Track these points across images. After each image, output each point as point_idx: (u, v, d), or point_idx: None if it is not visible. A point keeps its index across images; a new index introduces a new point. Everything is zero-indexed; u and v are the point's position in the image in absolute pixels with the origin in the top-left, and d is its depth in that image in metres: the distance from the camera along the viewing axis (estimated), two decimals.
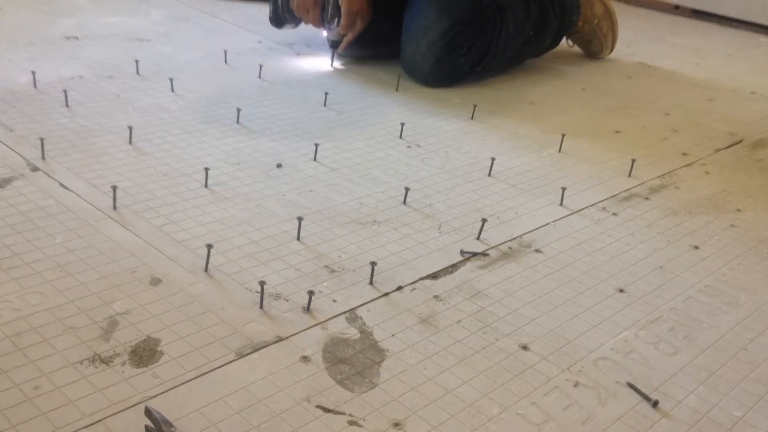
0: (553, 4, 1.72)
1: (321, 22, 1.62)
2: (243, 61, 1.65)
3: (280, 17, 1.68)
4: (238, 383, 0.73)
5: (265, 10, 2.08)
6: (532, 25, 1.70)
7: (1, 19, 1.75)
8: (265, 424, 0.68)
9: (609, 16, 1.92)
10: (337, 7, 1.58)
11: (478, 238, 1.03)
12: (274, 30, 1.91)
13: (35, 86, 1.37)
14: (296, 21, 1.67)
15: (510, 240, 1.04)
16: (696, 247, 1.08)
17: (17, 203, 0.98)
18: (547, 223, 1.10)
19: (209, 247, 0.89)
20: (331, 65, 1.62)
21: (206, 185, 1.09)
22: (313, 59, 1.72)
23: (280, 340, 0.79)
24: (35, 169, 1.08)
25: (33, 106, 1.29)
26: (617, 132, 1.50)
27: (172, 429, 0.64)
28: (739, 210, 1.21)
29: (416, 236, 1.03)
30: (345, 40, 1.64)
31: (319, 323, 0.83)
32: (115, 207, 1.00)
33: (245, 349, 0.77)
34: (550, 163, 1.31)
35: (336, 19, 1.59)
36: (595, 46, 1.95)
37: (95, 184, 1.06)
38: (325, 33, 1.66)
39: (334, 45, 1.67)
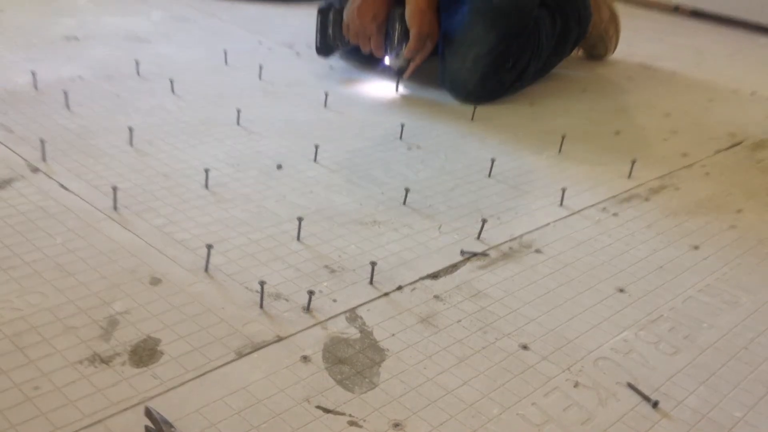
0: (573, 15, 1.69)
1: (384, 49, 1.53)
2: (243, 61, 1.65)
3: (330, 46, 1.60)
4: (238, 383, 0.73)
5: (265, 10, 2.09)
6: (557, 37, 1.67)
7: (1, 19, 1.75)
8: (265, 425, 0.68)
9: (614, 19, 1.92)
10: (405, 32, 1.49)
11: (478, 239, 1.04)
12: (274, 30, 1.92)
13: (35, 87, 1.37)
14: (346, 46, 1.60)
15: (510, 240, 1.04)
16: (696, 248, 1.08)
17: (17, 204, 0.98)
18: (548, 224, 1.10)
19: (209, 247, 0.89)
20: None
21: (206, 186, 1.09)
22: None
23: (280, 339, 0.79)
24: (35, 170, 1.08)
25: (33, 107, 1.29)
26: (617, 133, 1.50)
27: (172, 429, 0.64)
28: (739, 211, 1.21)
29: (416, 236, 1.03)
30: (413, 65, 1.53)
31: (319, 323, 0.83)
32: (115, 208, 1.00)
33: (245, 349, 0.77)
34: (550, 164, 1.31)
35: (403, 44, 1.50)
36: (599, 49, 1.95)
37: (95, 184, 1.06)
38: (387, 61, 1.56)
39: (400, 71, 1.55)
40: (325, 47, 1.62)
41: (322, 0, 1.61)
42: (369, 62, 1.62)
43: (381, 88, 1.58)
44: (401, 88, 1.58)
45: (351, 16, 1.51)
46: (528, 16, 1.55)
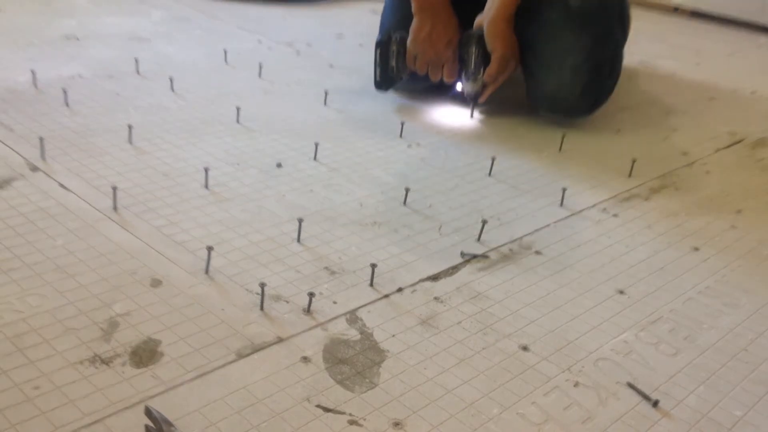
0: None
1: (458, 75, 1.45)
2: (243, 60, 1.65)
3: (391, 78, 1.49)
4: (238, 383, 0.73)
5: (264, 10, 2.09)
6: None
7: (1, 19, 1.75)
8: (265, 424, 0.68)
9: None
10: (483, 55, 1.40)
11: (478, 240, 1.03)
12: (274, 29, 1.92)
13: (35, 86, 1.37)
14: (406, 77, 1.49)
15: (510, 242, 1.04)
16: (696, 248, 1.08)
17: (17, 204, 0.98)
18: (548, 225, 1.10)
19: (210, 249, 0.89)
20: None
21: (206, 185, 1.09)
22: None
23: (280, 341, 0.79)
24: (35, 169, 1.08)
25: (33, 106, 1.29)
26: (617, 132, 1.50)
27: (172, 429, 0.64)
28: (739, 211, 1.21)
29: (416, 238, 1.03)
30: (492, 87, 1.44)
31: (320, 324, 0.83)
32: (115, 208, 1.00)
33: (245, 350, 0.77)
34: (551, 164, 1.31)
35: (481, 68, 1.42)
36: None
37: (95, 184, 1.06)
38: (459, 87, 1.48)
39: (474, 97, 1.46)
40: (385, 81, 1.50)
41: (378, 34, 1.49)
42: (430, 90, 1.53)
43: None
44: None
45: (422, 46, 1.41)
46: (614, 13, 1.46)
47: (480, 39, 1.41)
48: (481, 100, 1.47)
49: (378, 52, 1.48)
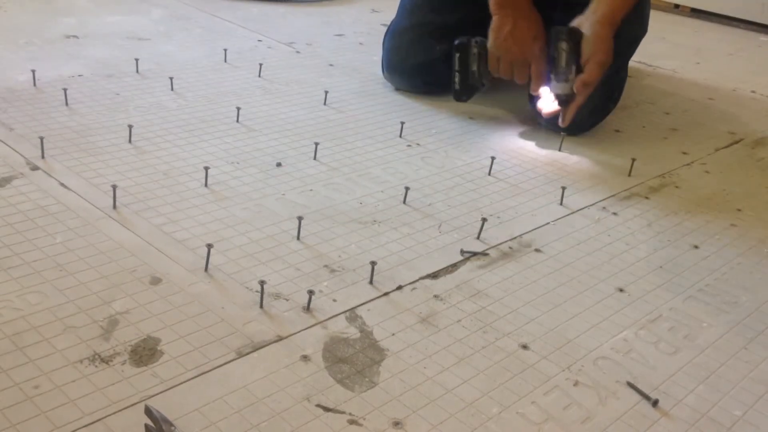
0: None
1: (545, 76, 1.32)
2: (243, 60, 1.65)
3: (473, 86, 1.39)
4: (238, 382, 0.73)
5: (265, 9, 2.09)
6: None
7: (1, 19, 1.74)
8: (265, 423, 0.68)
9: None
10: (574, 52, 1.28)
11: (478, 238, 1.03)
12: (274, 28, 1.91)
13: (35, 85, 1.37)
14: (489, 84, 1.40)
15: (510, 239, 1.04)
16: (696, 247, 1.08)
17: (17, 202, 0.98)
18: (547, 223, 1.10)
19: (209, 246, 0.89)
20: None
21: (206, 184, 1.09)
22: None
23: (280, 339, 0.79)
24: (35, 168, 1.08)
25: (33, 105, 1.29)
26: (617, 131, 1.50)
27: (172, 428, 0.64)
28: (739, 209, 1.21)
29: (416, 236, 1.03)
30: (574, 105, 1.31)
31: (319, 323, 0.83)
32: (115, 206, 1.00)
33: (245, 349, 0.77)
34: (550, 163, 1.31)
35: (572, 66, 1.28)
36: None
37: (95, 183, 1.06)
38: (542, 92, 1.35)
39: (565, 101, 1.32)
40: (466, 89, 1.40)
41: (460, 37, 1.38)
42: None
43: (380, 86, 1.57)
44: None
45: (505, 44, 1.32)
46: (635, 45, 1.46)
47: (571, 34, 1.28)
48: (564, 123, 1.34)
49: (457, 57, 1.37)
